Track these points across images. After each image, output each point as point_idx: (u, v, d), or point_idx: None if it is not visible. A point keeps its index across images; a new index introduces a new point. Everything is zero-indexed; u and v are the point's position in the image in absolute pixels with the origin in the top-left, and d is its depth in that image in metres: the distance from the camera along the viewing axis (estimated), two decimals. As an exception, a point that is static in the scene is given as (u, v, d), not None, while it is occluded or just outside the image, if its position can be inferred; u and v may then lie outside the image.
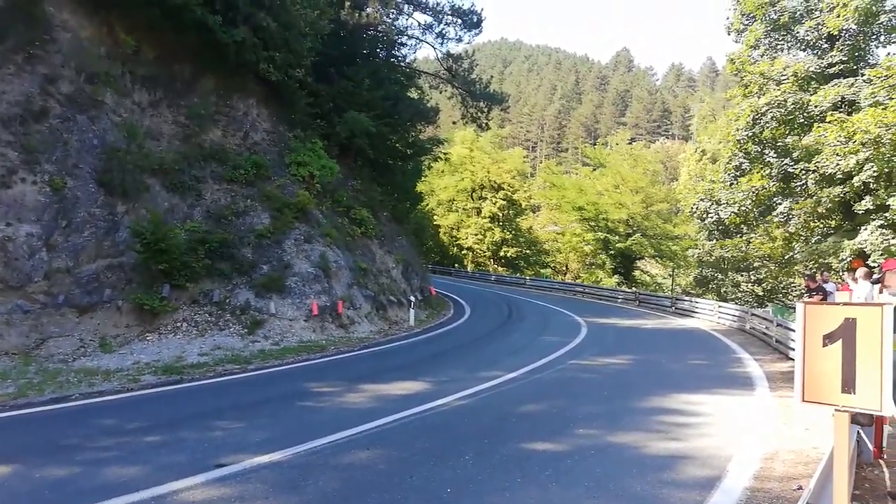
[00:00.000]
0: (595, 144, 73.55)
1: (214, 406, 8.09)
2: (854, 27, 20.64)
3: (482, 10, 26.54)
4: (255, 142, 17.65)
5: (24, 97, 11.65)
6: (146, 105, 14.70)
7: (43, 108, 11.97)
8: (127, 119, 13.88)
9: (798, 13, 22.46)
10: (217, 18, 14.21)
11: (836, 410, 4.47)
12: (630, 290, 35.48)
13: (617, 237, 45.01)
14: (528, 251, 53.81)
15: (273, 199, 16.14)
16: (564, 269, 54.32)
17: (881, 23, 20.56)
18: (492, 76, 33.70)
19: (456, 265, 49.65)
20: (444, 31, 26.91)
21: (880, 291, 8.81)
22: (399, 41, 26.39)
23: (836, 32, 20.91)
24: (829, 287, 13.81)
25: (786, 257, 24.37)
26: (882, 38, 21.52)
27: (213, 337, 12.89)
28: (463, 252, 51.93)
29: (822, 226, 23.26)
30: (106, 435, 6.42)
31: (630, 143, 61.61)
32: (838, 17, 20.23)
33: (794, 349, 12.76)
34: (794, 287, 28.14)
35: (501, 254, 51.51)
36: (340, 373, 10.66)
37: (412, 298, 19.57)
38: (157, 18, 14.01)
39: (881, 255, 17.80)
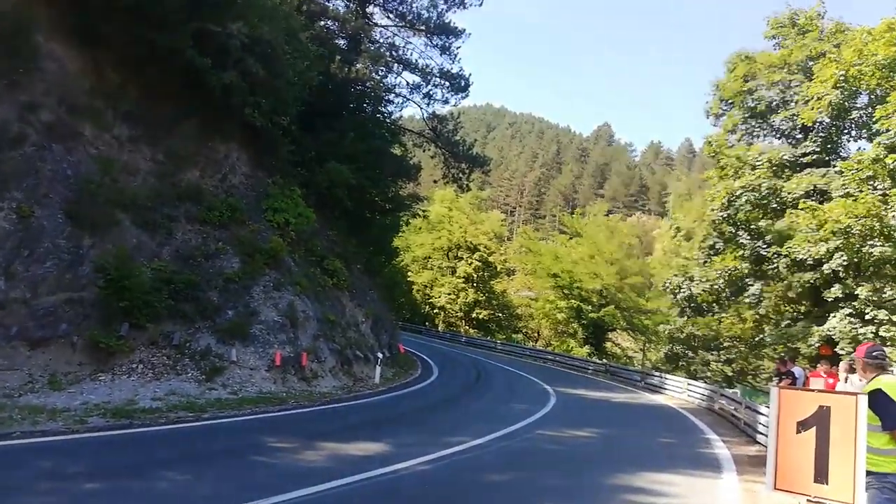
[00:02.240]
0: (573, 213, 74.65)
1: (163, 455, 7.63)
2: (827, 120, 21.50)
3: (470, 74, 27.16)
4: (233, 185, 17.48)
5: (0, 122, 11.42)
6: (125, 140, 14.51)
7: (19, 135, 11.74)
8: (104, 152, 13.66)
9: (774, 103, 23.37)
10: (207, 61, 14.25)
11: (808, 501, 4.29)
12: (601, 362, 35.30)
13: (590, 307, 45.16)
14: (500, 315, 53.67)
15: (245, 243, 15.86)
16: (536, 335, 54.12)
17: (853, 118, 21.42)
18: (475, 139, 34.28)
19: (427, 324, 49.20)
20: (431, 92, 27.47)
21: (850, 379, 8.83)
22: (386, 98, 26.82)
23: (809, 124, 21.73)
24: (796, 371, 13.86)
25: (756, 339, 24.57)
26: (854, 133, 22.40)
27: (169, 381, 12.33)
28: (435, 311, 51.58)
29: (792, 310, 23.56)
30: (43, 478, 5.97)
31: (607, 215, 62.69)
32: (812, 109, 21.04)
33: (762, 433, 12.64)
34: (763, 370, 28.30)
35: (474, 315, 51.25)
36: (298, 428, 10.22)
37: (379, 355, 19.15)
38: (145, 56, 14.01)
39: (849, 342, 17.98)
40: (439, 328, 48.62)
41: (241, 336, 14.18)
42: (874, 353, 4.61)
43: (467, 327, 51.08)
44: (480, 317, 51.44)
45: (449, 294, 50.66)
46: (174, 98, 15.69)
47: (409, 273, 51.32)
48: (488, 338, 45.48)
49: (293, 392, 13.93)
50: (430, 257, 52.76)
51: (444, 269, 52.19)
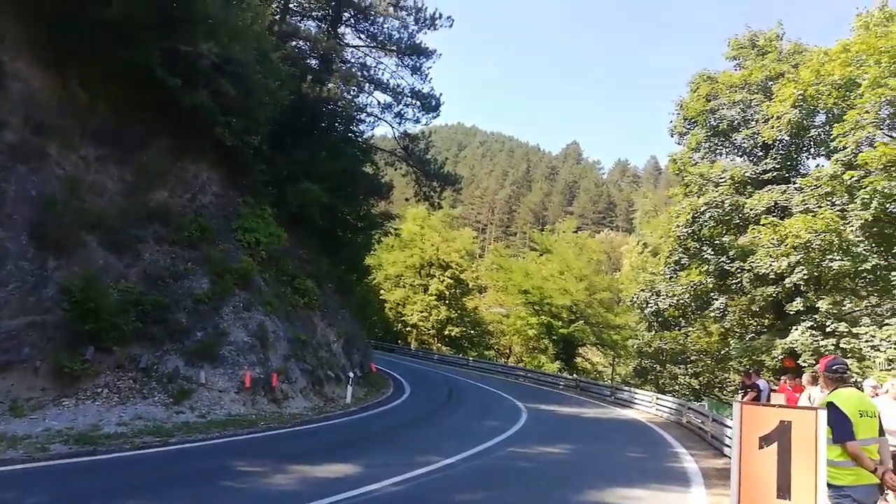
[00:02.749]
0: (543, 230, 75.34)
1: (128, 482, 7.49)
2: (787, 138, 22.24)
3: (441, 94, 27.44)
4: (203, 204, 17.31)
5: (-39, 143, 11.19)
6: (93, 159, 14.30)
7: (-19, 156, 11.50)
8: (70, 172, 13.44)
9: (736, 122, 24.10)
10: (177, 80, 14.16)
11: (772, 517, 4.41)
12: (571, 377, 35.57)
13: (560, 322, 45.52)
14: (472, 332, 53.73)
15: (215, 263, 15.69)
16: (508, 351, 54.26)
17: (811, 136, 22.15)
18: (446, 158, 34.50)
19: (399, 342, 49.02)
20: (402, 112, 27.68)
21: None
22: (358, 117, 26.88)
23: (770, 142, 22.44)
24: (761, 384, 14.19)
25: (721, 353, 25.05)
26: (812, 150, 23.18)
27: (136, 405, 12.10)
28: (407, 329, 51.43)
29: (755, 323, 24.13)
30: (0, 511, 5.83)
31: (576, 232, 63.47)
32: (772, 128, 21.73)
33: (729, 445, 12.87)
34: (730, 382, 28.79)
35: (446, 333, 51.21)
36: (268, 451, 10.10)
37: (351, 375, 19.06)
38: (115, 75, 13.89)
39: (811, 354, 18.47)
40: (412, 346, 48.45)
41: (210, 358, 13.99)
42: (834, 367, 4.81)
43: (440, 345, 50.99)
44: (453, 334, 51.42)
45: (421, 312, 50.59)
46: (144, 117, 15.52)
47: (382, 291, 51.17)
48: (461, 355, 45.46)
49: (263, 414, 13.77)
50: (402, 275, 52.70)
51: (417, 286, 52.15)
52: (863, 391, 7.05)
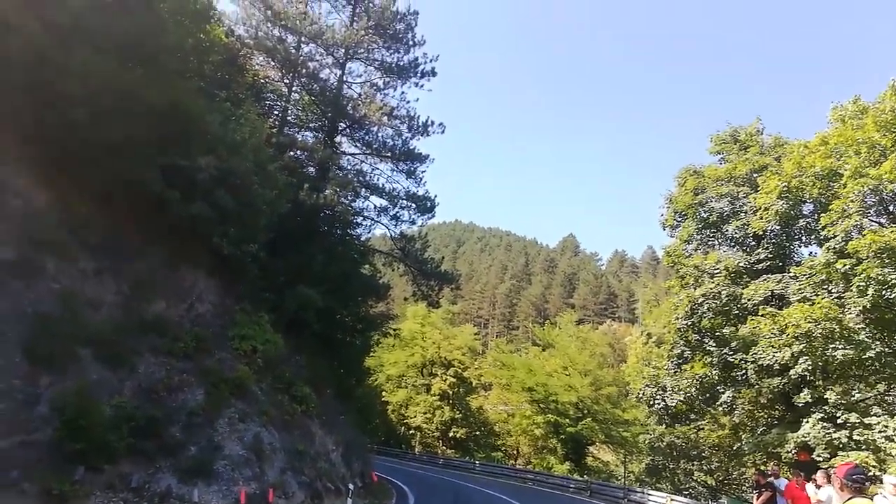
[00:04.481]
0: (544, 323, 74.83)
1: None
2: (777, 228, 22.57)
3: (435, 196, 28.15)
4: (199, 313, 17.30)
5: (-43, 263, 11.33)
6: (91, 273, 14.43)
7: (-23, 275, 11.62)
8: (67, 286, 13.52)
9: (725, 213, 24.56)
10: (175, 194, 14.55)
11: None
12: (582, 479, 34.24)
13: (567, 420, 44.33)
14: (478, 432, 52.22)
15: (211, 373, 15.47)
16: (516, 452, 52.49)
17: (801, 225, 22.50)
18: (443, 257, 34.88)
19: (403, 446, 47.54)
20: (398, 214, 28.25)
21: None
22: (355, 221, 27.42)
23: (760, 232, 22.74)
24: (778, 484, 13.61)
25: (734, 448, 24.24)
26: (803, 239, 23.50)
27: (124, 528, 11.57)
28: (411, 432, 50.01)
29: (766, 416, 23.51)
30: None
31: (578, 324, 63.04)
32: (761, 219, 22.11)
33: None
34: (747, 478, 27.66)
35: (451, 434, 49.76)
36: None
37: (351, 486, 18.35)
38: (113, 189, 14.28)
39: (825, 448, 17.86)
40: (416, 450, 46.94)
41: (204, 474, 13.49)
42: (853, 476, 4.69)
43: (445, 448, 49.43)
44: (458, 436, 49.94)
45: (424, 413, 49.41)
46: (141, 229, 15.82)
47: (384, 392, 50.20)
48: (467, 458, 43.98)
49: (258, 533, 13.12)
50: (403, 375, 51.92)
51: (419, 386, 51.25)
52: (877, 495, 6.80)
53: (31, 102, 12.61)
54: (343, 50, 26.18)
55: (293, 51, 25.29)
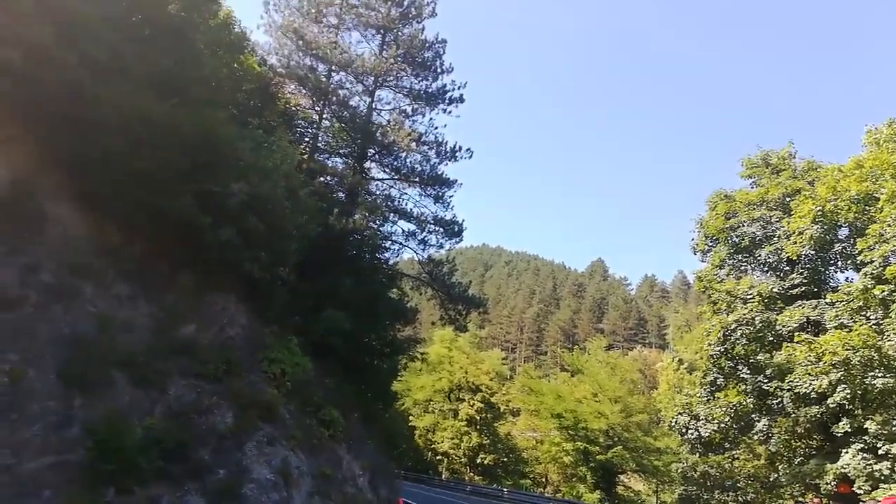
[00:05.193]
0: (573, 348, 73.99)
1: None
2: (812, 252, 22.12)
3: (463, 220, 28.26)
4: (230, 336, 17.49)
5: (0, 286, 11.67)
6: (125, 297, 14.75)
7: (19, 297, 11.95)
8: (103, 310, 13.83)
9: (758, 238, 24.17)
10: (207, 219, 14.84)
11: None
12: (612, 508, 33.48)
13: (597, 448, 43.55)
14: (506, 459, 51.56)
15: (240, 396, 15.57)
16: (544, 480, 51.62)
17: (836, 250, 22.03)
18: (471, 281, 34.93)
19: (430, 472, 47.13)
20: (426, 239, 28.41)
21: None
22: (383, 245, 27.64)
23: (794, 257, 22.29)
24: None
25: (771, 479, 23.53)
26: (839, 264, 22.97)
27: (153, 551, 11.62)
28: (438, 458, 49.59)
29: (803, 446, 22.81)
30: None
31: (608, 350, 62.19)
32: (795, 244, 21.70)
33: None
34: (785, 511, 26.78)
35: (478, 461, 49.21)
36: None
37: (378, 511, 18.19)
38: (146, 217, 14.62)
39: (865, 480, 17.24)
40: (443, 476, 46.50)
41: (232, 497, 13.52)
42: None
43: (472, 474, 48.87)
44: (485, 462, 49.38)
45: (452, 438, 49.02)
46: (173, 254, 16.14)
47: (411, 417, 49.97)
48: (494, 485, 43.34)
49: (285, 558, 13.07)
50: (431, 400, 51.71)
51: (446, 411, 50.95)
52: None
53: (67, 133, 13.04)
54: (373, 78, 26.66)
55: (324, 79, 25.83)
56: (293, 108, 25.31)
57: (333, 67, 26.12)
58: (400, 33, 27.25)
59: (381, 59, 26.14)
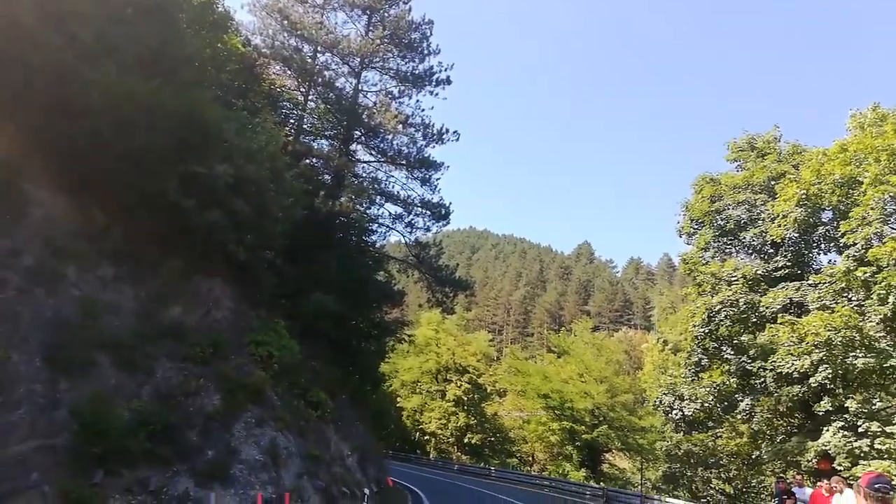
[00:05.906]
0: (559, 330, 74.58)
1: None
2: (795, 235, 22.33)
3: (450, 203, 28.21)
4: (216, 319, 17.45)
5: (-19, 270, 11.55)
6: (110, 280, 14.64)
7: (0, 281, 11.83)
8: (87, 293, 13.72)
9: (742, 221, 24.34)
10: (192, 202, 14.71)
11: None
12: (598, 486, 34.00)
13: (583, 427, 44.07)
14: (493, 438, 52.06)
15: (227, 378, 15.59)
16: (531, 459, 52.25)
17: (820, 233, 22.26)
18: (458, 264, 35.01)
19: (418, 451, 47.54)
20: (413, 221, 28.37)
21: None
22: (370, 228, 27.56)
23: (779, 240, 22.51)
24: (800, 494, 13.47)
25: (753, 456, 23.97)
26: (822, 246, 23.22)
27: (142, 532, 11.67)
28: (426, 437, 50.00)
29: (785, 424, 23.21)
30: None
31: (594, 331, 62.68)
32: (779, 226, 21.90)
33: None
34: (765, 487, 27.33)
35: (466, 440, 49.66)
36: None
37: (366, 491, 18.39)
38: (131, 199, 14.47)
39: (846, 457, 17.61)
40: (430, 455, 46.92)
41: (221, 478, 13.59)
42: (876, 486, 4.57)
43: (459, 454, 49.33)
44: (473, 442, 49.85)
45: (439, 419, 49.39)
46: (159, 236, 16.02)
47: (398, 398, 50.25)
48: (482, 464, 43.84)
49: (274, 538, 13.19)
50: (418, 381, 51.97)
51: (434, 392, 51.24)
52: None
53: (52, 114, 12.84)
54: (359, 59, 26.38)
55: (309, 60, 25.53)
56: (278, 90, 25.01)
57: (319, 48, 25.80)
58: (386, 14, 26.94)
59: (367, 40, 25.85)
